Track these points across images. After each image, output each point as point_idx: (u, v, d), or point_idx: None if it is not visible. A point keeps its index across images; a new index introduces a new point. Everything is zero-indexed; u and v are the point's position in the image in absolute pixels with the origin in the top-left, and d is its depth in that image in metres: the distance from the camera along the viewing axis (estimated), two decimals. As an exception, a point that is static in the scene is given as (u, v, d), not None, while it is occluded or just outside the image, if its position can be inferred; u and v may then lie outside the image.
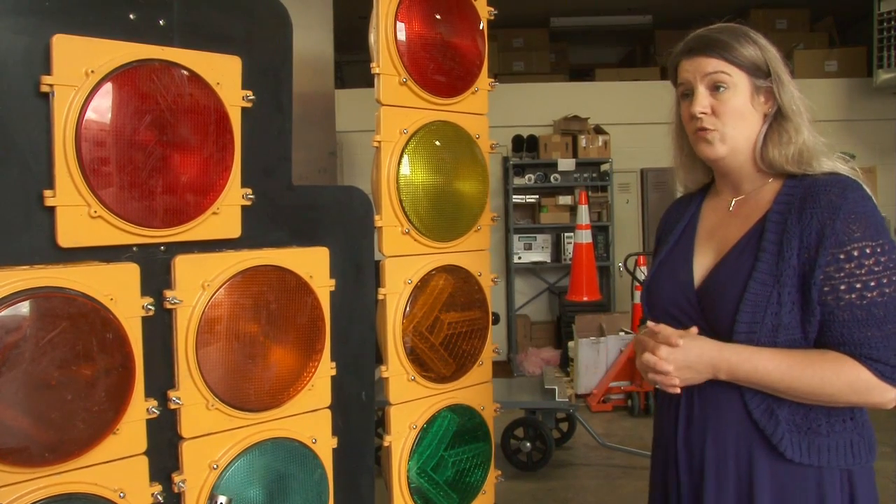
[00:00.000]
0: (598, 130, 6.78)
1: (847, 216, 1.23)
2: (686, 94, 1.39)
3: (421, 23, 1.75)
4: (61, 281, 1.20)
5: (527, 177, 6.81)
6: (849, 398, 1.24)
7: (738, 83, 1.33)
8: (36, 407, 1.17)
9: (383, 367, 1.78)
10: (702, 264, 1.40)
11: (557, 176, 6.77)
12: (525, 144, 6.81)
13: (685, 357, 1.29)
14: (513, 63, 7.91)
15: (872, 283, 1.22)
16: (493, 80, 1.95)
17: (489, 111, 1.94)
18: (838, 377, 1.23)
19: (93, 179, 1.23)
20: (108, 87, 1.24)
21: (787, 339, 1.27)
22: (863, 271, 1.22)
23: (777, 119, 1.35)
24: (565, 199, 6.84)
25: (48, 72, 1.20)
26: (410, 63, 1.74)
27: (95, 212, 1.24)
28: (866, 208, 1.25)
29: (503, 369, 6.70)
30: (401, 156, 1.74)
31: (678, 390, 1.32)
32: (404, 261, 1.79)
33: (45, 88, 1.20)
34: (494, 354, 2.00)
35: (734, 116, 1.34)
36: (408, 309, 1.78)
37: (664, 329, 1.33)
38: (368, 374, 1.70)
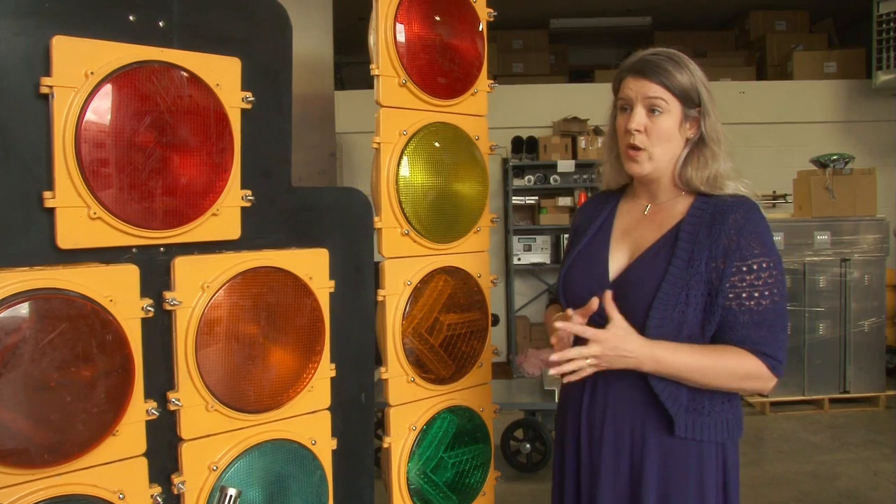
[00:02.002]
0: (598, 132, 6.77)
1: (749, 235, 1.45)
2: (624, 108, 1.55)
3: (420, 24, 1.76)
4: (61, 282, 1.21)
5: (526, 178, 6.80)
6: (743, 385, 1.47)
7: (672, 110, 1.51)
8: (35, 408, 1.17)
9: (383, 369, 1.78)
10: (617, 260, 1.57)
11: (557, 177, 6.76)
12: (524, 146, 6.80)
13: (617, 345, 1.42)
14: (512, 64, 7.91)
15: (766, 293, 1.45)
16: (492, 81, 1.95)
17: (489, 112, 1.94)
18: (740, 368, 1.44)
19: (92, 181, 1.23)
20: (107, 88, 1.24)
21: (689, 333, 1.46)
22: (760, 282, 1.45)
23: (698, 145, 1.54)
24: (565, 201, 6.83)
25: (48, 73, 1.20)
26: (410, 64, 1.74)
27: (95, 213, 1.24)
28: (764, 228, 1.48)
29: (503, 371, 6.70)
30: (400, 157, 1.75)
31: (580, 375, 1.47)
32: (404, 262, 1.79)
33: (44, 90, 1.20)
34: (494, 356, 2.00)
35: (662, 138, 1.51)
36: (407, 310, 1.78)
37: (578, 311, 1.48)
38: (368, 375, 1.70)
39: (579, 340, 1.47)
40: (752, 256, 1.44)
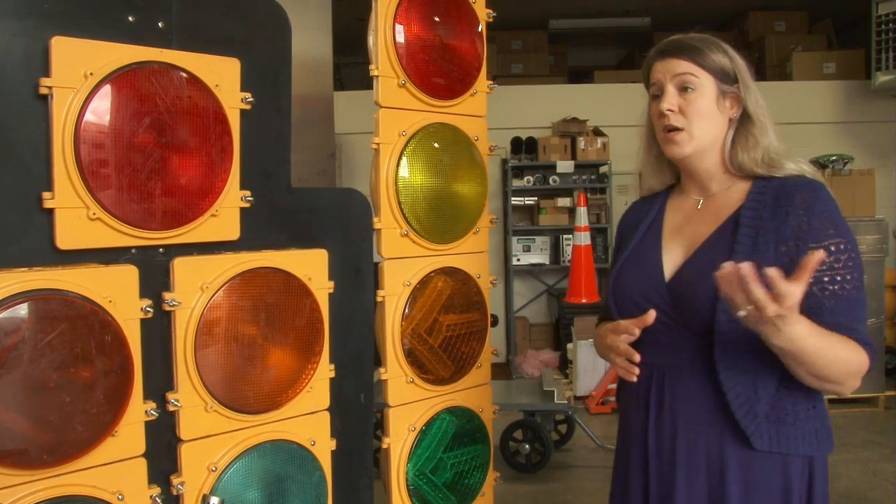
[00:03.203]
0: (597, 132, 6.78)
1: (820, 214, 1.32)
2: (656, 95, 1.45)
3: (419, 25, 1.76)
4: (60, 283, 1.20)
5: (525, 179, 6.81)
6: (849, 380, 1.28)
7: (705, 85, 1.40)
8: (34, 409, 1.17)
9: (382, 369, 1.78)
10: (671, 259, 1.44)
11: (556, 178, 6.76)
12: (524, 146, 6.80)
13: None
14: (511, 65, 7.92)
15: (849, 277, 1.31)
16: (491, 82, 1.95)
17: (488, 113, 1.94)
18: (856, 356, 1.27)
19: (91, 181, 1.23)
20: (106, 89, 1.24)
21: None
22: (840, 265, 1.31)
23: (743, 123, 1.42)
24: (564, 201, 6.84)
25: (47, 74, 1.20)
26: (409, 65, 1.74)
27: (94, 214, 1.24)
28: (834, 207, 1.34)
29: (502, 371, 6.70)
30: (399, 158, 1.75)
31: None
32: (403, 263, 1.79)
33: (43, 90, 1.20)
34: (493, 356, 2.00)
35: (700, 116, 1.40)
36: (406, 311, 1.78)
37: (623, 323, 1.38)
38: (367, 376, 1.70)
39: (638, 347, 1.38)
40: (828, 238, 1.30)
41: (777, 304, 1.16)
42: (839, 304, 1.29)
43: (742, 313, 1.21)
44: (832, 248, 1.30)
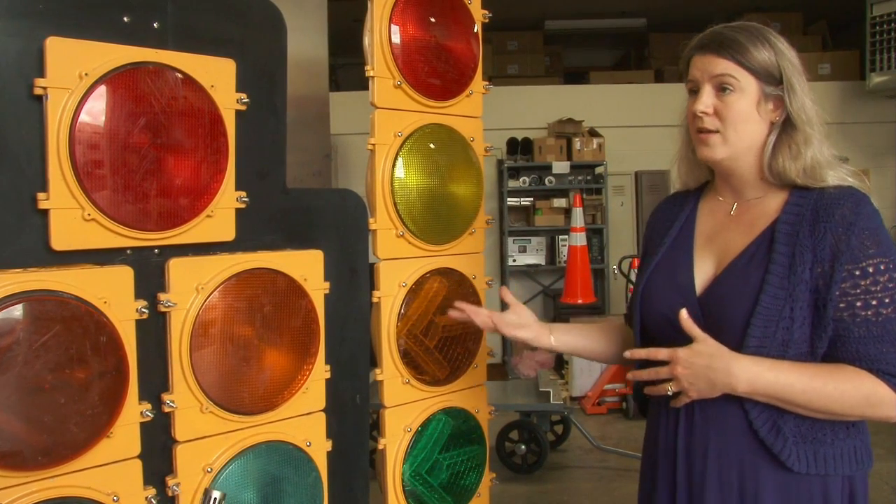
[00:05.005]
0: (593, 133, 6.80)
1: (861, 232, 1.23)
2: (693, 91, 1.36)
3: (415, 26, 1.76)
4: (55, 284, 1.20)
5: (521, 179, 6.82)
6: (863, 412, 1.24)
7: (746, 87, 1.30)
8: (29, 410, 1.17)
9: (378, 370, 1.78)
10: (703, 271, 1.37)
11: (552, 178, 6.77)
12: (519, 147, 6.82)
13: (700, 361, 1.26)
14: (507, 66, 7.92)
15: (887, 300, 1.22)
16: (487, 82, 1.95)
17: (484, 114, 1.94)
18: (857, 391, 1.22)
19: (86, 182, 1.23)
20: (101, 89, 1.24)
21: (796, 353, 1.26)
22: (878, 288, 1.22)
23: (786, 129, 1.33)
24: (560, 202, 6.85)
25: (42, 74, 1.19)
26: (405, 66, 1.74)
27: (89, 214, 1.24)
28: (878, 224, 1.26)
29: (498, 372, 6.70)
30: (395, 159, 1.74)
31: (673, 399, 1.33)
32: (399, 264, 1.79)
33: (38, 91, 1.19)
34: (489, 357, 2.00)
35: (737, 120, 1.31)
36: (402, 312, 1.78)
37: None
38: (363, 376, 1.70)
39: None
40: (867, 257, 1.22)
41: (670, 370, 1.27)
42: (871, 331, 1.22)
43: (670, 392, 1.29)
44: (870, 270, 1.22)
